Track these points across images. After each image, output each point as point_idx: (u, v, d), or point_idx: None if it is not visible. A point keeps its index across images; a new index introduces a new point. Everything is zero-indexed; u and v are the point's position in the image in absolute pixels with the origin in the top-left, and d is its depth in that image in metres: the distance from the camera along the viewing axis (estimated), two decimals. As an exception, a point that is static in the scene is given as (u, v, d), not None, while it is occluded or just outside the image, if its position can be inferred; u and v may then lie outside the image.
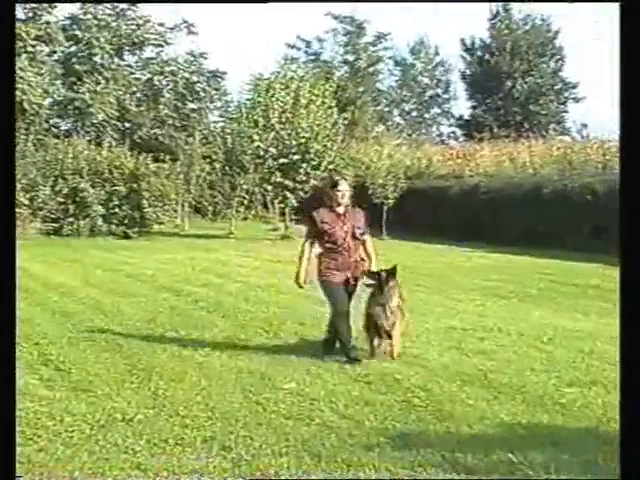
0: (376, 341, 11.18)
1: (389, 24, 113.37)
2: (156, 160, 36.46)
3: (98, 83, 44.03)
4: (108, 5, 45.20)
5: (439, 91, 73.71)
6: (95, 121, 43.42)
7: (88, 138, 38.61)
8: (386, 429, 8.00)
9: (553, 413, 8.48)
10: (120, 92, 44.95)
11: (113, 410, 8.62)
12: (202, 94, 49.18)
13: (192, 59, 48.67)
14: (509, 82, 62.94)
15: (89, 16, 44.30)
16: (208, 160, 40.46)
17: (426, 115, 74.11)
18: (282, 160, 32.88)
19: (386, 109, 71.08)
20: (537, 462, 6.91)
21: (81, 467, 6.98)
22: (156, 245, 30.68)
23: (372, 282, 11.07)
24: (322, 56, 65.68)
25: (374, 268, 11.23)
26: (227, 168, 38.67)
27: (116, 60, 46.26)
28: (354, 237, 11.11)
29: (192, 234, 35.66)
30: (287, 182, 33.23)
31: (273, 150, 32.92)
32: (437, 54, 72.75)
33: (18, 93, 34.95)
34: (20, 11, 38.53)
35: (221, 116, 50.12)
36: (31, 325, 12.94)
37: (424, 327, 13.15)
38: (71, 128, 44.42)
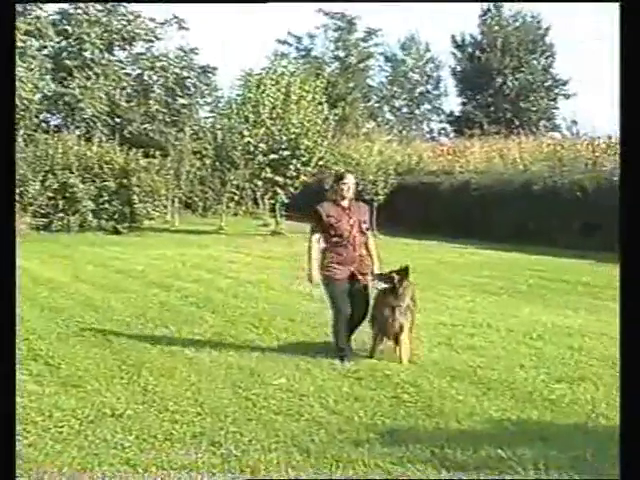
0: (382, 346, 10.97)
1: (380, 20, 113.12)
2: (146, 155, 36.45)
3: (88, 78, 43.91)
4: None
5: (430, 87, 73.71)
6: (85, 116, 43.30)
7: (78, 133, 38.52)
8: (375, 425, 8.02)
9: (542, 409, 8.50)
10: (110, 87, 44.84)
11: (102, 405, 8.62)
12: (193, 89, 49.12)
13: (183, 54, 48.58)
14: (499, 79, 63.03)
15: (79, 11, 44.20)
16: (198, 156, 40.42)
17: (417, 111, 74.09)
18: (272, 156, 32.84)
19: (376, 105, 71.07)
20: (526, 458, 6.94)
21: (70, 462, 6.98)
22: (146, 241, 30.65)
23: (385, 286, 10.86)
24: (313, 52, 65.73)
25: (377, 266, 11.05)
26: (217, 164, 38.61)
27: (106, 55, 46.11)
28: (360, 231, 10.99)
29: (182, 230, 35.62)
30: (277, 178, 33.21)
31: (263, 146, 32.89)
32: (428, 50, 72.78)
33: (8, 88, 34.79)
34: (10, 5, 38.36)
35: (211, 112, 50.01)
36: (20, 320, 12.92)
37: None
38: (61, 123, 44.33)
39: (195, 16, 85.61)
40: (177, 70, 48.08)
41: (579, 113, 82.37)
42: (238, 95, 37.44)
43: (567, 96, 65.82)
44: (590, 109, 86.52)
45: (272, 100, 33.14)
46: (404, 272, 10.79)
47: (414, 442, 7.38)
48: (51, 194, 32.62)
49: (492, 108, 62.99)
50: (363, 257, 11.00)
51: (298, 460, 7.03)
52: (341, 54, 64.70)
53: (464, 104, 66.59)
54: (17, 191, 30.99)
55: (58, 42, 44.54)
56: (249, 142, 33.10)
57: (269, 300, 15.89)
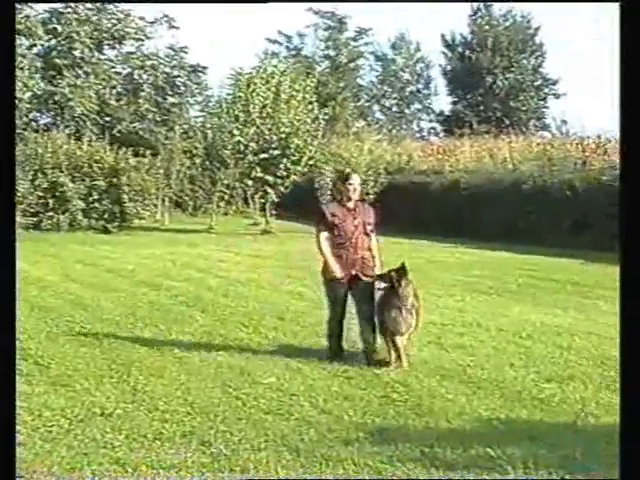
0: (394, 352, 10.44)
1: (370, 20, 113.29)
2: (136, 154, 36.36)
3: (78, 77, 43.83)
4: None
5: (420, 87, 73.73)
6: (75, 115, 43.19)
7: (68, 132, 38.42)
8: (365, 424, 8.03)
9: (531, 408, 8.52)
10: (100, 86, 44.74)
11: (92, 405, 8.62)
12: (183, 88, 49.05)
13: (173, 53, 48.52)
14: (489, 78, 63.11)
15: (69, 10, 44.10)
16: (188, 155, 40.42)
17: (407, 111, 74.10)
18: (262, 155, 32.81)
19: (367, 104, 71.12)
20: (515, 457, 6.95)
21: (59, 462, 6.98)
22: (136, 240, 30.60)
23: (384, 285, 10.61)
24: (303, 51, 65.76)
25: (378, 269, 10.85)
26: (207, 163, 38.60)
27: (96, 54, 45.99)
28: (364, 232, 10.83)
29: (172, 229, 35.59)
30: (267, 177, 33.18)
31: (253, 145, 32.86)
32: (418, 50, 72.78)
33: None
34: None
35: (202, 111, 49.94)
36: (10, 320, 12.89)
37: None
38: (51, 122, 44.22)
39: (185, 15, 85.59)
40: (167, 69, 48.03)
41: (569, 113, 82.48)
42: (228, 94, 37.43)
43: (557, 96, 66.02)
44: (580, 109, 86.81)
45: (262, 99, 33.13)
46: (402, 270, 10.57)
47: (404, 441, 7.39)
48: (41, 193, 32.53)
49: (482, 107, 63.09)
50: (366, 259, 10.81)
51: (288, 459, 7.04)
52: (331, 53, 64.73)
53: (454, 103, 66.68)
54: (6, 190, 30.93)
55: (48, 41, 44.43)
56: (239, 141, 33.06)
57: (259, 299, 15.90)
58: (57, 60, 43.47)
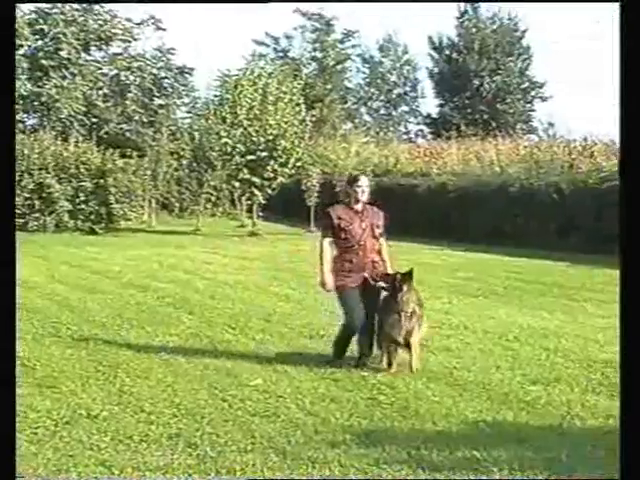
0: (393, 351, 10.33)
1: (358, 22, 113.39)
2: (123, 156, 36.29)
3: (65, 78, 43.70)
4: (75, -1, 45.01)
5: (407, 89, 73.75)
6: (62, 116, 43.05)
7: (54, 133, 38.27)
8: (352, 426, 8.03)
9: (518, 410, 8.54)
10: (87, 87, 44.60)
11: (78, 406, 8.61)
12: (170, 90, 48.95)
13: (160, 55, 48.43)
14: (476, 81, 63.21)
15: (55, 10, 43.98)
16: (175, 156, 40.31)
17: (394, 113, 74.14)
18: (250, 157, 32.81)
19: (354, 107, 71.13)
20: (501, 459, 6.97)
21: (45, 464, 6.97)
22: (123, 241, 30.54)
23: (384, 286, 10.38)
24: (290, 53, 65.71)
25: (389, 271, 10.60)
26: (195, 164, 38.63)
27: (83, 55, 45.86)
28: (373, 236, 10.59)
29: (159, 230, 35.51)
30: (255, 179, 33.16)
31: (241, 147, 32.85)
32: (405, 52, 72.84)
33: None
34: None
35: (189, 112, 49.87)
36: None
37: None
38: (37, 123, 44.05)
39: (172, 17, 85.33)
40: (154, 70, 47.93)
41: (555, 115, 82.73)
42: (215, 96, 37.49)
43: (544, 98, 66.16)
44: (566, 111, 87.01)
45: (249, 101, 33.14)
46: (408, 275, 10.36)
47: (390, 443, 7.40)
48: (27, 194, 32.40)
49: (469, 110, 63.16)
50: (376, 263, 10.59)
51: (274, 461, 7.04)
52: (319, 55, 64.72)
53: (441, 106, 66.77)
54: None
55: (34, 42, 44.30)
56: (226, 143, 33.08)
57: (245, 301, 15.90)
58: (44, 61, 43.34)
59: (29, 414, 8.24)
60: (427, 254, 25.23)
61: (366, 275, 10.41)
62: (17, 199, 31.78)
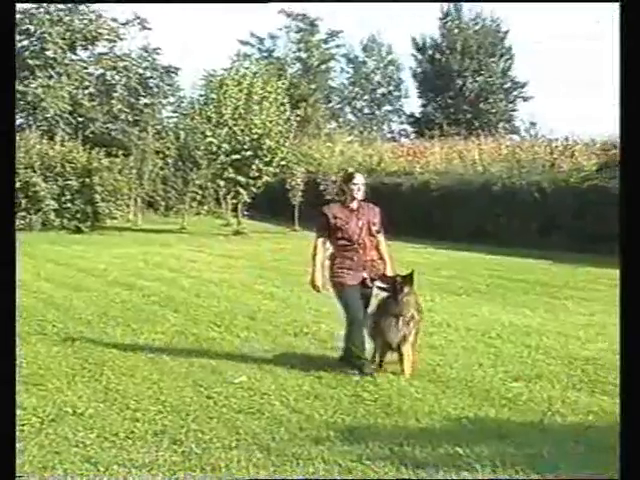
0: (387, 354, 10.20)
1: (342, 22, 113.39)
2: (109, 155, 36.21)
3: (51, 77, 43.62)
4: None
5: (391, 89, 73.82)
6: (47, 115, 42.96)
7: (40, 132, 38.18)
8: (335, 423, 8.03)
9: (499, 407, 8.55)
10: (73, 87, 44.51)
11: (64, 404, 8.60)
12: (155, 89, 48.88)
13: (145, 55, 48.36)
14: (459, 81, 63.31)
15: (41, 10, 43.88)
16: (161, 155, 40.31)
17: (378, 112, 74.20)
18: (235, 156, 32.78)
19: (338, 106, 71.26)
20: (484, 455, 6.98)
21: (31, 461, 6.95)
22: (109, 240, 30.50)
23: (385, 287, 10.13)
24: (275, 53, 65.85)
25: (389, 272, 10.38)
26: (180, 163, 38.67)
27: (69, 55, 45.76)
28: (370, 234, 10.34)
29: (145, 229, 35.47)
30: (240, 178, 33.13)
31: (226, 146, 32.83)
32: (389, 52, 72.91)
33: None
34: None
35: (174, 112, 49.83)
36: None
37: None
38: (23, 122, 43.92)
39: (158, 16, 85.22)
40: (140, 70, 47.86)
41: (537, 115, 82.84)
42: (201, 95, 37.44)
43: (525, 98, 66.31)
44: (548, 111, 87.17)
45: (234, 101, 33.11)
46: (408, 278, 10.16)
47: (373, 440, 7.40)
48: (13, 193, 32.32)
49: (452, 110, 63.24)
50: (374, 261, 10.36)
51: (259, 458, 7.03)
52: (303, 55, 64.84)
53: (424, 106, 66.83)
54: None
55: (20, 41, 44.14)
56: (212, 142, 33.05)
57: (230, 299, 15.89)
58: (30, 60, 43.21)
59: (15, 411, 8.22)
60: (410, 252, 25.23)
61: (365, 275, 10.21)
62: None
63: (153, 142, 40.86)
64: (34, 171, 32.95)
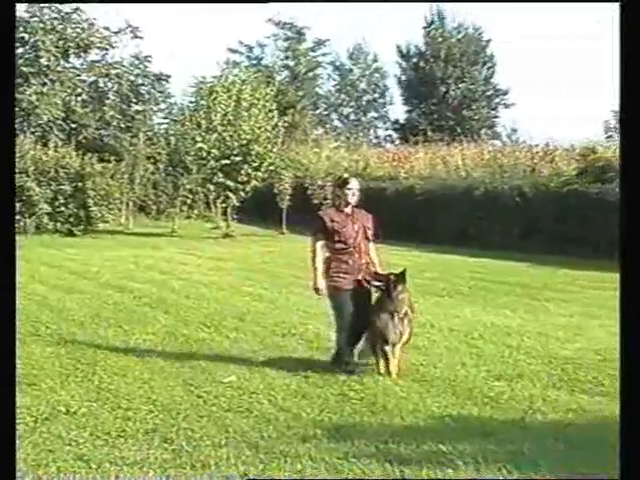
0: (388, 352, 9.89)
1: (328, 31, 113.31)
2: (101, 160, 36.17)
3: (44, 85, 43.49)
4: (53, 8, 44.74)
5: (376, 96, 73.66)
6: (41, 122, 42.81)
7: (34, 138, 38.08)
8: (322, 421, 8.04)
9: (482, 405, 8.57)
10: (66, 94, 44.38)
11: (57, 403, 8.59)
12: (147, 96, 48.76)
13: (137, 62, 48.25)
14: (443, 88, 63.27)
15: (35, 19, 43.79)
16: (152, 160, 40.24)
17: (363, 119, 74.08)
18: (224, 161, 32.77)
19: (325, 113, 71.16)
20: (466, 452, 6.99)
21: (25, 458, 6.95)
22: (101, 243, 30.46)
23: (379, 285, 10.04)
24: (263, 61, 65.66)
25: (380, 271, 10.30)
26: (171, 168, 38.62)
27: (62, 62, 45.64)
28: (365, 238, 10.30)
29: (136, 232, 35.40)
30: (229, 182, 33.13)
31: (215, 151, 32.81)
32: (375, 60, 72.85)
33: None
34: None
35: (165, 118, 49.73)
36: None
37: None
38: (17, 128, 43.78)
39: (149, 25, 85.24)
40: (131, 77, 47.73)
41: (518, 121, 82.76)
42: (191, 102, 37.50)
43: (507, 105, 66.38)
44: (529, 117, 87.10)
45: (224, 107, 33.12)
46: (401, 276, 10.05)
47: (359, 437, 7.41)
48: (8, 197, 32.23)
49: (436, 116, 63.19)
50: (369, 265, 10.29)
51: (248, 455, 7.04)
52: (291, 63, 64.78)
53: (409, 112, 66.74)
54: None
55: (15, 49, 44.05)
56: (201, 148, 33.04)
57: (220, 300, 15.88)
58: (24, 68, 43.06)
59: (9, 411, 8.21)
60: (395, 255, 25.19)
61: (359, 278, 10.12)
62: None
63: (144, 148, 40.79)
64: (28, 176, 32.81)
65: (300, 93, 59.95)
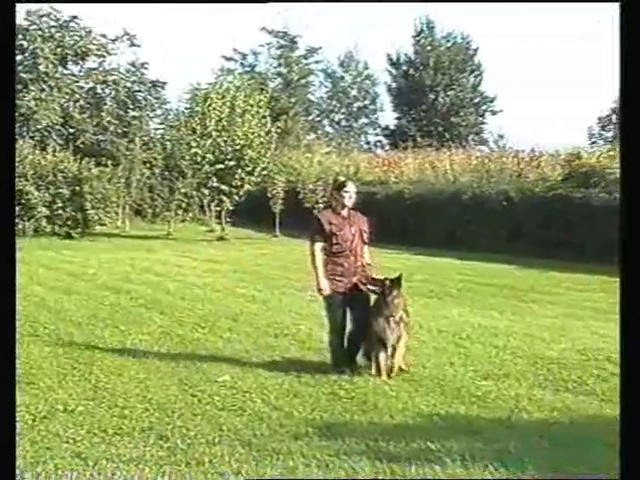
0: (382, 356, 9.82)
1: (320, 39, 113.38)
2: (98, 164, 36.14)
3: (43, 91, 43.41)
4: (52, 17, 44.72)
5: (367, 102, 73.73)
6: (40, 127, 42.77)
7: (33, 143, 38.01)
8: (314, 419, 8.04)
9: (469, 404, 8.58)
10: (64, 100, 44.35)
11: (55, 402, 8.58)
12: (143, 103, 48.71)
13: (133, 69, 48.21)
14: (432, 95, 63.35)
15: (34, 27, 43.74)
16: (148, 165, 40.27)
17: (354, 125, 74.11)
18: (218, 166, 32.76)
19: (317, 119, 71.18)
20: (454, 450, 6.99)
21: (24, 455, 6.94)
22: (98, 245, 30.40)
23: (375, 289, 9.98)
24: (257, 68, 65.76)
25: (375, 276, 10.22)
26: (166, 173, 38.66)
27: (60, 69, 45.53)
28: (362, 240, 10.21)
29: (133, 235, 35.36)
30: (223, 187, 33.12)
31: (210, 156, 32.79)
32: (366, 68, 72.90)
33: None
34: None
35: (161, 124, 49.69)
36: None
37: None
38: (17, 133, 43.74)
39: (146, 32, 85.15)
40: (128, 84, 47.67)
41: (505, 127, 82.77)
42: (186, 108, 37.52)
43: (494, 112, 66.46)
44: (517, 124, 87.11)
45: (218, 113, 33.10)
46: (397, 281, 9.95)
47: (350, 435, 7.41)
48: (7, 201, 32.16)
49: (425, 122, 63.24)
50: (365, 268, 10.21)
51: (241, 453, 7.04)
52: (283, 70, 64.89)
53: (399, 118, 66.79)
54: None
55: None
56: (196, 153, 33.03)
57: (214, 302, 15.87)
58: (23, 75, 42.98)
59: (8, 409, 8.20)
60: (385, 258, 25.19)
61: (355, 280, 10.05)
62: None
63: (141, 152, 40.78)
64: (27, 180, 32.75)
65: (292, 100, 60.01)
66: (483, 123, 66.61)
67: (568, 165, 27.66)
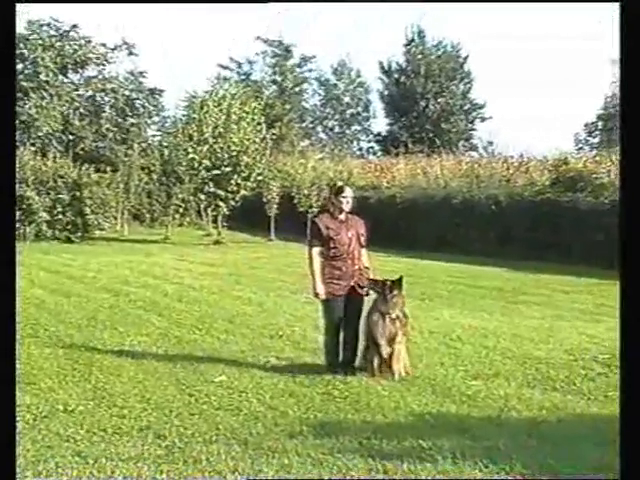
0: (376, 360, 9.78)
1: (314, 48, 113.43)
2: (98, 170, 36.22)
3: (43, 99, 43.44)
4: (52, 26, 44.75)
5: (359, 109, 73.77)
6: (40, 134, 42.80)
7: (34, 149, 38.01)
8: (308, 418, 8.03)
9: (460, 403, 8.58)
10: (64, 107, 44.39)
11: (56, 402, 8.57)
12: (141, 110, 48.81)
13: (132, 77, 48.29)
14: (423, 102, 63.35)
15: (34, 36, 43.76)
16: (146, 171, 40.31)
17: (347, 131, 74.14)
18: (215, 171, 32.79)
19: (311, 125, 71.22)
20: (445, 448, 6.99)
21: (25, 454, 6.92)
22: (97, 249, 30.39)
23: (376, 290, 9.95)
24: (252, 76, 65.74)
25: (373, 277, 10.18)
26: (164, 178, 38.63)
27: (60, 78, 45.62)
28: (359, 244, 10.16)
29: (131, 239, 35.36)
30: (219, 192, 33.15)
31: (206, 162, 32.81)
32: (358, 76, 72.93)
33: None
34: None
35: (159, 130, 49.84)
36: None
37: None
38: (18, 140, 43.73)
39: (145, 41, 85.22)
40: (127, 92, 47.77)
41: (495, 134, 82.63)
42: (183, 115, 37.54)
43: (483, 119, 66.50)
44: (506, 131, 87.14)
45: (214, 120, 33.14)
46: (398, 282, 9.96)
47: (343, 434, 7.41)
48: (8, 206, 32.13)
49: (416, 129, 63.22)
50: (362, 271, 10.13)
51: (237, 451, 7.03)
52: (278, 78, 64.85)
53: (391, 125, 66.77)
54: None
55: (15, 65, 43.94)
56: (193, 159, 33.06)
57: (211, 304, 15.86)
58: (24, 83, 42.99)
59: (10, 409, 8.18)
60: (377, 261, 25.18)
61: (352, 284, 10.00)
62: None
63: (139, 159, 40.82)
64: (28, 185, 32.74)
65: (287, 107, 60.00)
66: (473, 129, 66.64)
67: (556, 170, 27.70)
